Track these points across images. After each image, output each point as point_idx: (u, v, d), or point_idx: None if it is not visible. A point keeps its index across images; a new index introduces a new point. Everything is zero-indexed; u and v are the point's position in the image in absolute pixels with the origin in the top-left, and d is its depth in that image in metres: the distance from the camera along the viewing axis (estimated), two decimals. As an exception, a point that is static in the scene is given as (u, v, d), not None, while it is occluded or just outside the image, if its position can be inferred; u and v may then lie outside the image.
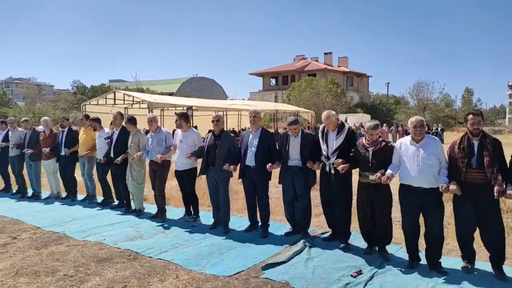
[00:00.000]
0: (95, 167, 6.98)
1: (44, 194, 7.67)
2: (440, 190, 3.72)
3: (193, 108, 20.90)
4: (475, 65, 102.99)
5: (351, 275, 3.80)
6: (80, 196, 7.39)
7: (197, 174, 5.61)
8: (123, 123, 6.31)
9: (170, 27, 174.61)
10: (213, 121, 5.32)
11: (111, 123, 7.13)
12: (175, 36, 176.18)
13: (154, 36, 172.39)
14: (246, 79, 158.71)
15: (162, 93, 39.23)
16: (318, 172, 4.82)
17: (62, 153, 7.17)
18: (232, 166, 5.12)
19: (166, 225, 5.56)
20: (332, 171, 4.47)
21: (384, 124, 29.43)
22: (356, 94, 49.12)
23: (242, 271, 3.95)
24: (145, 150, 5.92)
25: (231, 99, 50.19)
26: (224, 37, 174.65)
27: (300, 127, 4.88)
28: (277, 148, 5.09)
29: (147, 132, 6.51)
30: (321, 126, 4.78)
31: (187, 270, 3.99)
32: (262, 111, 30.09)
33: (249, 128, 5.51)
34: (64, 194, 7.52)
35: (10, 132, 7.70)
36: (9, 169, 7.99)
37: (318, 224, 5.40)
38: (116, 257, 4.34)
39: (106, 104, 20.62)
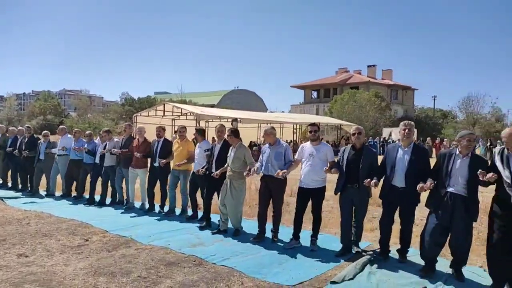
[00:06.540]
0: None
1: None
2: None
3: (238, 120, 21.32)
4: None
5: (416, 291, 3.79)
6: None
7: (330, 192, 5.13)
8: (225, 136, 5.91)
9: (211, 40, 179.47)
10: (354, 134, 4.88)
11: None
12: (216, 49, 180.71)
13: (196, 49, 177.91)
14: (287, 91, 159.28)
15: (203, 105, 40.22)
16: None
17: (156, 164, 7.04)
18: (374, 181, 4.48)
19: (224, 234, 5.75)
20: None
21: (428, 138, 28.46)
22: (400, 107, 47.84)
23: (305, 281, 4.05)
24: (260, 163, 5.46)
25: (271, 112, 50.53)
26: (265, 50, 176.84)
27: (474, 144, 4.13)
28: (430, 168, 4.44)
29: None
30: (497, 148, 4.21)
31: (251, 277, 4.13)
32: (303, 123, 30.22)
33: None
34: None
35: (107, 143, 7.81)
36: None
37: (375, 239, 5.37)
38: (183, 261, 4.57)
39: (156, 115, 21.60)
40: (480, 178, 3.74)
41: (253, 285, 3.96)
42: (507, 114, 49.63)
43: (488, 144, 26.01)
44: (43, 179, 9.03)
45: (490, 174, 3.68)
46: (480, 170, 3.74)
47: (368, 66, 50.80)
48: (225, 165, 5.76)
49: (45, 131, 9.43)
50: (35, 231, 5.76)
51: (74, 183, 8.69)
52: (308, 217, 5.31)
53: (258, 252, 4.98)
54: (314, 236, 5.22)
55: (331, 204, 7.27)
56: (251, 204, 7.40)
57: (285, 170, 5.13)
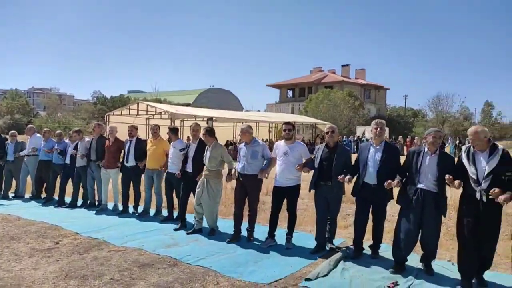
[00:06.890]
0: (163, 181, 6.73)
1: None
2: None
3: (214, 119, 21.22)
4: (496, 77, 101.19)
5: (388, 286, 3.89)
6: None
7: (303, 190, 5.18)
8: (201, 135, 5.83)
9: (187, 38, 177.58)
10: (327, 132, 4.98)
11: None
12: (192, 47, 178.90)
13: (171, 47, 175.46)
14: (263, 90, 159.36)
15: (178, 104, 39.80)
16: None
17: (129, 164, 6.92)
18: (348, 177, 4.60)
19: (199, 234, 5.70)
20: (484, 199, 3.72)
21: (400, 136, 29.28)
22: (373, 106, 48.88)
23: (280, 279, 4.08)
24: (239, 162, 5.42)
25: (247, 111, 50.52)
26: (241, 49, 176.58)
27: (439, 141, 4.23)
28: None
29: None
30: (465, 146, 4.31)
31: (226, 277, 4.13)
32: (278, 122, 30.43)
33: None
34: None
35: (78, 143, 7.58)
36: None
37: (349, 236, 5.48)
38: (157, 263, 4.51)
39: (129, 114, 21.20)
40: (447, 183, 3.93)
41: (228, 284, 3.95)
42: (474, 113, 51.51)
43: (457, 142, 27.00)
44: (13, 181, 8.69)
45: (456, 182, 3.83)
46: (448, 176, 3.86)
47: (342, 66, 51.61)
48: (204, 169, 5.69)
49: (12, 131, 9.07)
50: (1, 234, 5.55)
51: (45, 184, 8.42)
52: (283, 215, 5.35)
53: (234, 251, 4.98)
54: (289, 234, 5.25)
55: (306, 202, 7.34)
56: (226, 203, 7.38)
57: (266, 170, 5.24)
